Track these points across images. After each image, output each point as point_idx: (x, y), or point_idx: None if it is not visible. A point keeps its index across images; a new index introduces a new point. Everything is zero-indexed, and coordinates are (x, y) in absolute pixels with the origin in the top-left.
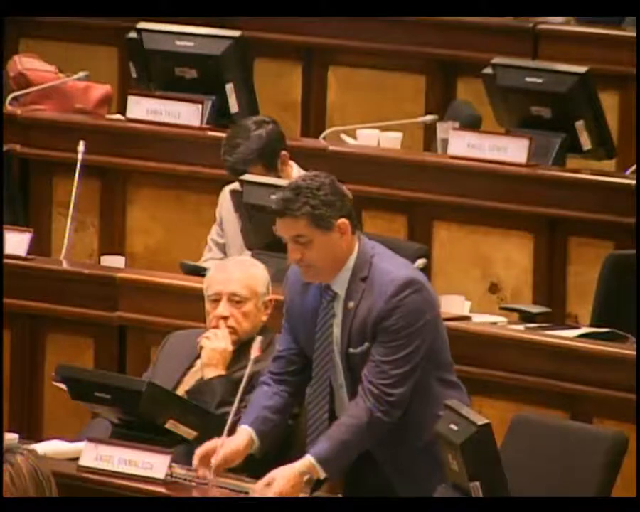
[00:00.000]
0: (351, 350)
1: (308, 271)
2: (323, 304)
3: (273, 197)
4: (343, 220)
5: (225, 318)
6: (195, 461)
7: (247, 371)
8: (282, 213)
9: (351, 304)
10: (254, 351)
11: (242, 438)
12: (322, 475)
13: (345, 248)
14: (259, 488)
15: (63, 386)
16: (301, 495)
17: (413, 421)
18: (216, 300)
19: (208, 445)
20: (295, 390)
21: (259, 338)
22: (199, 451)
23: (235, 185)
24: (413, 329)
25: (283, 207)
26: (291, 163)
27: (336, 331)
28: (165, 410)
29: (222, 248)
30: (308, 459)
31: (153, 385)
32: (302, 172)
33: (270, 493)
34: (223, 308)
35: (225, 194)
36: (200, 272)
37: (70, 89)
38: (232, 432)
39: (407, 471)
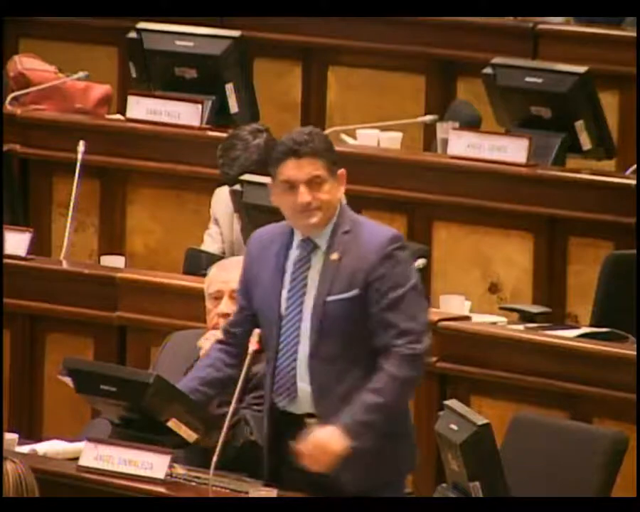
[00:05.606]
0: (330, 298)
1: (315, 214)
2: (296, 256)
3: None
4: (343, 170)
5: (227, 315)
6: None
7: (245, 366)
8: (300, 154)
9: (335, 256)
10: (252, 345)
11: None
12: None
13: (339, 199)
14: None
15: (69, 380)
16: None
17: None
18: (217, 297)
19: None
20: (236, 352)
21: (256, 331)
22: None
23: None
24: (408, 272)
25: (302, 146)
26: None
27: (310, 282)
28: (169, 407)
29: (222, 238)
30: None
31: (161, 379)
32: None
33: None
34: (225, 305)
35: (218, 196)
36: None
37: (70, 89)
38: (230, 431)
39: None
